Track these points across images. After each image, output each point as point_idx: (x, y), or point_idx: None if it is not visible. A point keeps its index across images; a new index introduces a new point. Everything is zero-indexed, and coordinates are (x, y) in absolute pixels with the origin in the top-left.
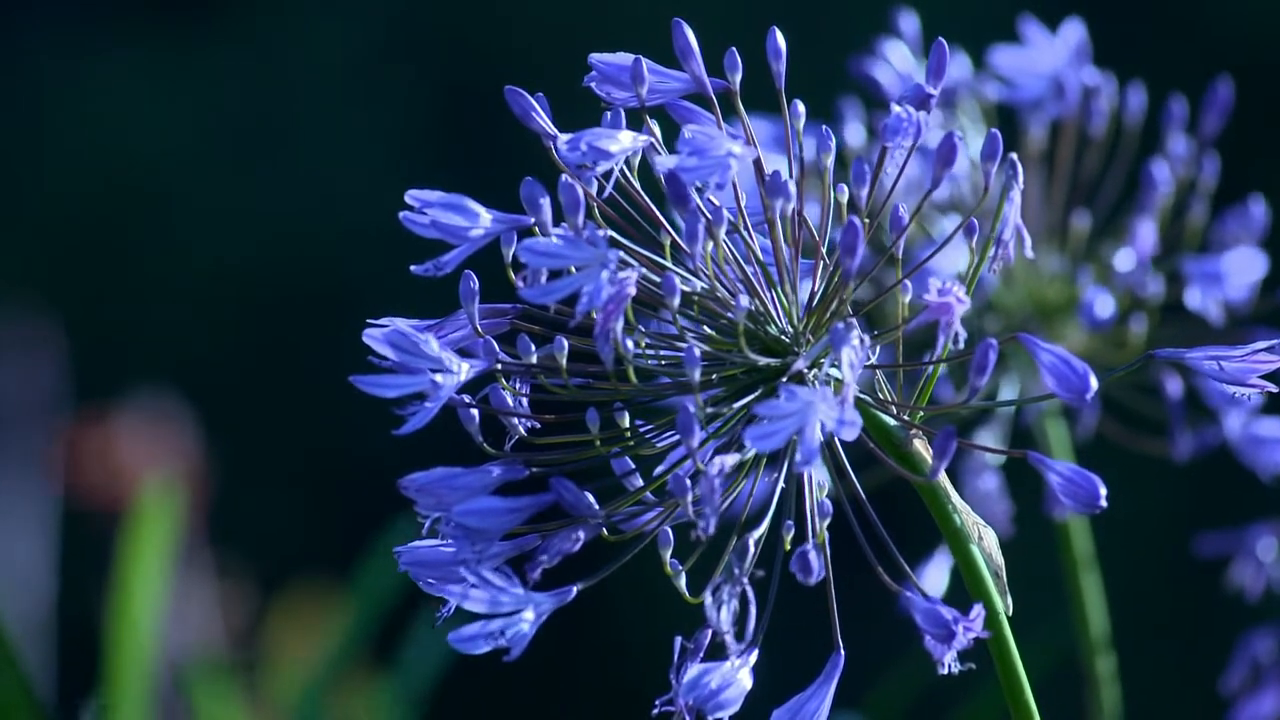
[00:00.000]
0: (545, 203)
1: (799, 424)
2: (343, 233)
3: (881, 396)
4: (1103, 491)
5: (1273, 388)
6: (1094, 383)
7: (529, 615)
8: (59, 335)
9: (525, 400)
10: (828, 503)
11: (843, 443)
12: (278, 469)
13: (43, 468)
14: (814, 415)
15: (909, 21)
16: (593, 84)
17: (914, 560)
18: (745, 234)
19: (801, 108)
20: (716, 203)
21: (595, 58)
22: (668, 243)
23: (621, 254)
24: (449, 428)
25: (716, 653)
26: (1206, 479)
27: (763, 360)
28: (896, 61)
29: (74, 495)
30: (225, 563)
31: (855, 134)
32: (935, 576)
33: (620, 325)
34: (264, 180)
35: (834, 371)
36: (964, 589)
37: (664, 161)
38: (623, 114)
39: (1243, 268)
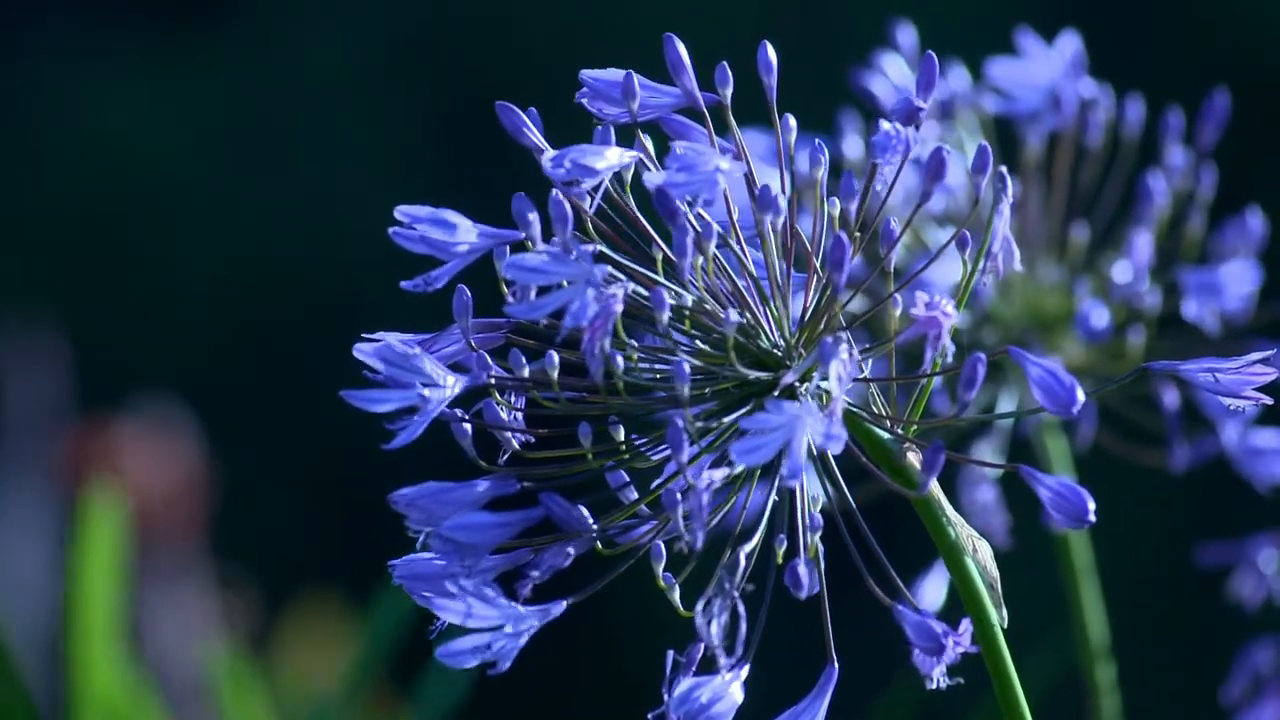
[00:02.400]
0: (534, 218)
1: (785, 438)
2: (347, 238)
3: (875, 410)
4: (1091, 506)
5: (1267, 399)
6: (1080, 396)
7: (514, 630)
8: (62, 344)
9: (518, 414)
10: (819, 516)
11: (837, 456)
12: (281, 477)
13: (47, 476)
14: (800, 429)
15: (907, 34)
16: (584, 100)
17: (910, 573)
18: (737, 248)
19: (793, 121)
20: (708, 217)
21: (586, 74)
22: (660, 257)
23: (610, 269)
24: (454, 441)
25: (710, 667)
26: (1206, 490)
27: (754, 374)
28: (893, 75)
29: (78, 504)
30: (228, 573)
31: (853, 147)
32: (933, 590)
33: (608, 341)
34: (266, 186)
35: (824, 385)
36: (962, 603)
37: (652, 177)
38: (612, 130)
39: (1239, 279)
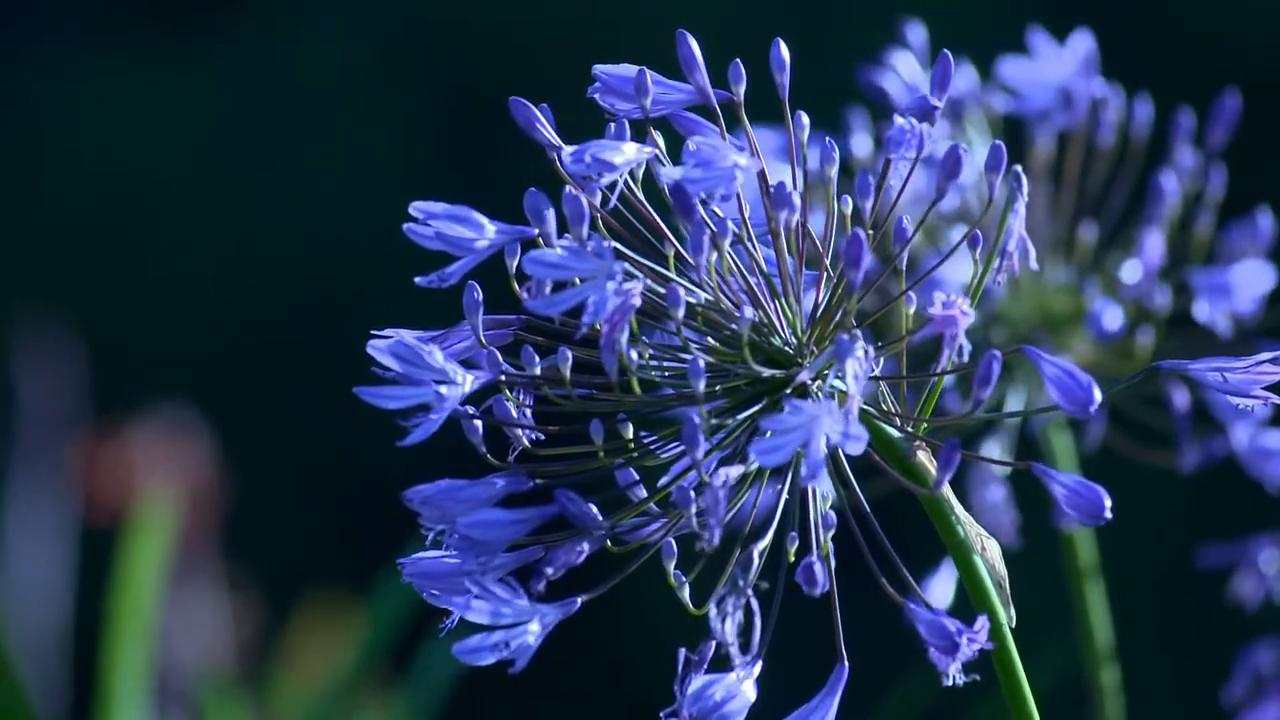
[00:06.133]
0: (550, 214)
1: (804, 438)
2: (350, 239)
3: (885, 408)
4: (1107, 503)
5: (1277, 399)
6: (1098, 395)
7: (534, 627)
8: (75, 348)
9: (529, 411)
10: (832, 514)
11: (846, 454)
12: (288, 479)
13: (59, 481)
14: (819, 429)
15: (916, 32)
16: (596, 95)
17: (918, 571)
18: (749, 246)
19: (805, 119)
20: (720, 214)
21: (599, 69)
22: (672, 254)
23: (626, 265)
24: (459, 439)
25: (720, 665)
26: (1210, 490)
27: (767, 371)
28: (904, 72)
29: (90, 508)
30: (236, 574)
31: (862, 145)
32: (941, 588)
33: (625, 336)
34: (270, 186)
35: (838, 383)
36: (968, 601)
37: (669, 173)
38: (627, 125)
39: (1251, 280)
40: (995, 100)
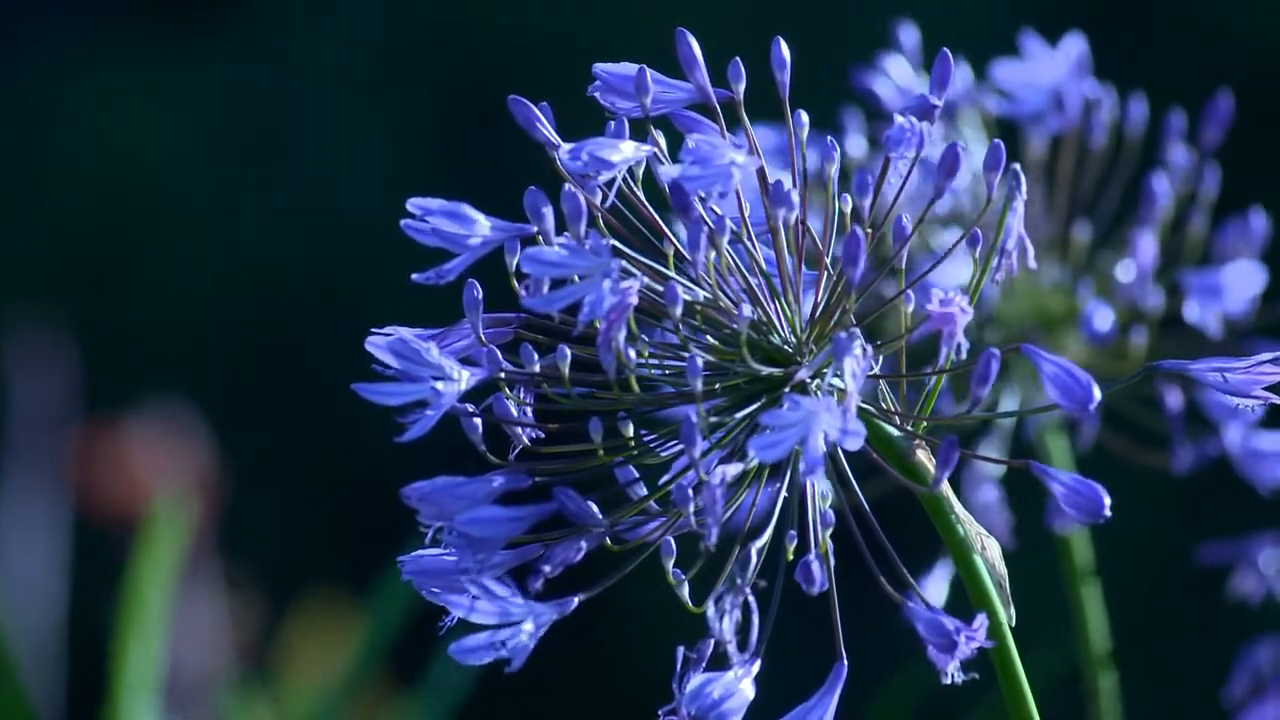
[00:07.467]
0: (548, 212)
1: (802, 433)
2: (350, 239)
3: (884, 407)
4: (1107, 501)
5: (1277, 399)
6: (1097, 393)
7: (529, 626)
8: (68, 345)
9: (529, 409)
10: (830, 512)
11: (845, 453)
12: (286, 478)
13: (54, 479)
14: (817, 425)
15: (909, 34)
16: (597, 93)
17: (916, 571)
18: (748, 244)
19: (805, 118)
20: (719, 212)
21: (599, 68)
22: (671, 252)
23: (624, 263)
24: (460, 437)
25: (719, 663)
26: (1206, 490)
27: (765, 370)
28: (896, 75)
29: (85, 507)
30: (234, 573)
31: (856, 146)
32: (936, 588)
33: (623, 335)
34: (268, 186)
35: (837, 381)
36: (966, 600)
37: (667, 170)
38: (626, 123)
39: (1242, 281)
40: (988, 102)
